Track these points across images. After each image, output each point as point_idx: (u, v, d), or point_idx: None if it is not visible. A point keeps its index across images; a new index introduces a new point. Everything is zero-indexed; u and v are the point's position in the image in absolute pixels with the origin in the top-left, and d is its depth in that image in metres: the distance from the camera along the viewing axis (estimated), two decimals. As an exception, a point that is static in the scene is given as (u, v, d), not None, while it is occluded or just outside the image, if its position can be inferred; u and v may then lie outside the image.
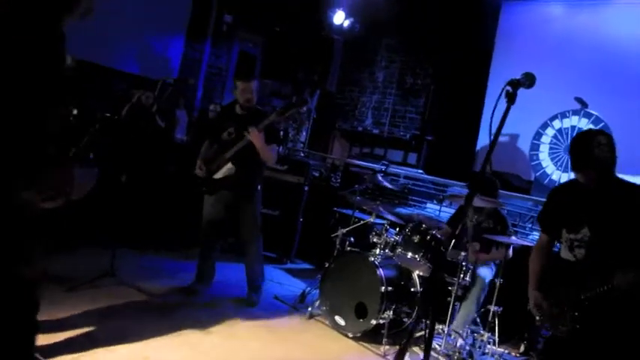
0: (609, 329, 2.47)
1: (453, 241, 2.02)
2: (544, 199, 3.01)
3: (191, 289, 4.32)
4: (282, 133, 6.07)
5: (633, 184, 2.66)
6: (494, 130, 1.95)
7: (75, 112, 4.71)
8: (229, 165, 4.10)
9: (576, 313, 2.53)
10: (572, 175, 2.74)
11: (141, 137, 5.73)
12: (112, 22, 6.18)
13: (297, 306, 4.47)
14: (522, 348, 4.15)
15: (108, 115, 5.64)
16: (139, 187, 5.48)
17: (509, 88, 1.99)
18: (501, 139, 6.75)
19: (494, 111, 1.94)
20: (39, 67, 1.34)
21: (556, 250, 2.96)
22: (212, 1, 8.28)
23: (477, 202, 3.95)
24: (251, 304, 4.26)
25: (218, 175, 4.16)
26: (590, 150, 2.57)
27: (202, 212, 4.32)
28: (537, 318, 2.73)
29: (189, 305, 4.03)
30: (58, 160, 1.46)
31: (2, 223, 1.36)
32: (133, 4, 6.70)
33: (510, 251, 4.05)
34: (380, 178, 4.74)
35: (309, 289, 4.66)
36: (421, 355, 3.71)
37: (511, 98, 1.98)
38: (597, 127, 5.56)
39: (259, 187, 4.29)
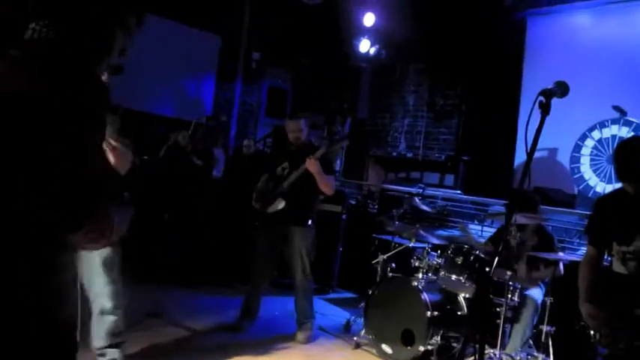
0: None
1: (497, 259, 1.95)
2: (589, 213, 2.91)
3: (236, 325, 4.32)
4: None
5: None
6: (530, 144, 1.90)
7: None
8: (281, 200, 4.16)
9: (634, 329, 2.42)
10: (617, 185, 2.65)
11: (179, 177, 5.87)
12: (146, 69, 6.41)
13: (342, 336, 4.42)
14: (580, 369, 3.96)
15: (145, 157, 5.80)
16: (180, 225, 5.60)
17: (542, 98, 1.94)
18: (540, 153, 6.63)
19: (528, 123, 1.89)
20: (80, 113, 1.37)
21: (606, 263, 2.86)
22: (240, 41, 8.51)
23: (519, 219, 3.86)
24: (300, 342, 4.20)
25: (271, 210, 4.21)
26: (633, 159, 2.49)
27: (254, 247, 4.35)
28: (592, 333, 2.61)
29: (234, 342, 4.02)
30: (100, 203, 1.49)
31: (43, 265, 1.38)
32: (164, 51, 6.94)
33: (561, 268, 3.91)
34: (417, 201, 4.69)
35: (353, 318, 4.61)
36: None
37: (545, 109, 1.92)
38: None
39: (311, 221, 4.27)
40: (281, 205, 4.15)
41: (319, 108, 8.87)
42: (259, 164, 5.18)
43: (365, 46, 8.06)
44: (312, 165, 4.01)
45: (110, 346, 2.99)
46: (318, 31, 8.18)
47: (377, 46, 8.10)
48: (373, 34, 8.00)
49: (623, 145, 2.61)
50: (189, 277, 5.23)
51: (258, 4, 8.33)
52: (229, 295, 4.93)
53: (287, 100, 9.31)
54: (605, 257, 2.84)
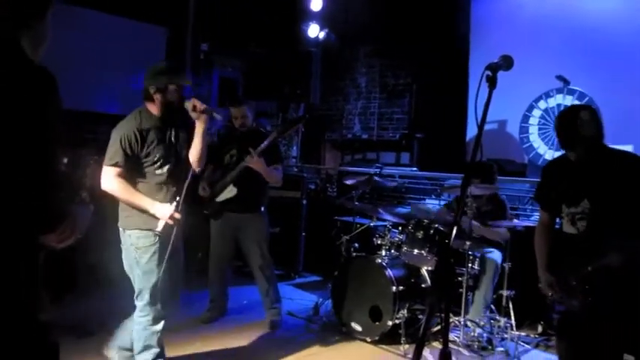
0: (620, 298, 2.48)
1: (455, 230, 2.01)
2: (538, 180, 3.03)
3: (207, 317, 4.30)
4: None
5: (624, 152, 2.70)
6: (479, 117, 1.97)
7: (65, 160, 4.75)
8: (231, 187, 4.10)
9: (586, 286, 2.54)
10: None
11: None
12: (91, 67, 6.24)
13: (311, 319, 4.47)
14: (540, 328, 4.15)
15: (96, 157, 5.65)
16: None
17: (488, 72, 2.00)
18: (490, 126, 6.82)
19: (477, 97, 1.95)
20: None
21: (557, 226, 2.98)
22: (186, 32, 8.34)
23: (474, 190, 3.99)
24: (273, 327, 4.22)
25: (221, 199, 4.16)
26: (573, 128, 2.59)
27: (210, 239, 4.32)
28: (550, 295, 2.74)
29: (205, 335, 4.01)
30: (66, 203, 1.50)
31: (18, 269, 1.38)
32: (108, 46, 6.74)
33: (507, 233, 4.07)
34: (376, 180, 4.76)
35: (321, 300, 4.67)
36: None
37: (492, 82, 1.99)
38: (582, 102, 5.61)
39: (263, 207, 4.27)
40: (232, 193, 4.09)
41: (272, 96, 8.82)
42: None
43: (314, 30, 8.05)
44: (254, 163, 3.90)
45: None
46: (266, 17, 8.10)
47: (326, 30, 8.09)
48: (321, 18, 7.99)
49: (562, 116, 2.72)
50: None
51: (203, -7, 8.18)
52: (197, 288, 4.89)
53: (238, 89, 9.20)
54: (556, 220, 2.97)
